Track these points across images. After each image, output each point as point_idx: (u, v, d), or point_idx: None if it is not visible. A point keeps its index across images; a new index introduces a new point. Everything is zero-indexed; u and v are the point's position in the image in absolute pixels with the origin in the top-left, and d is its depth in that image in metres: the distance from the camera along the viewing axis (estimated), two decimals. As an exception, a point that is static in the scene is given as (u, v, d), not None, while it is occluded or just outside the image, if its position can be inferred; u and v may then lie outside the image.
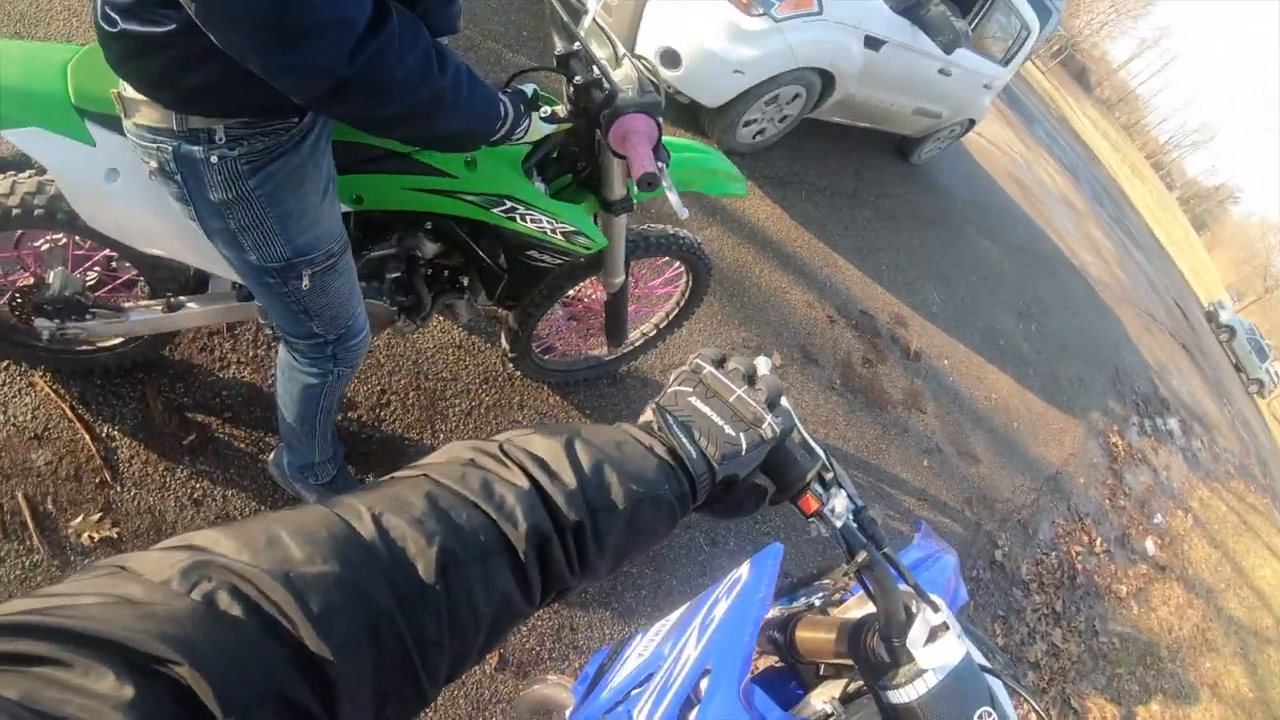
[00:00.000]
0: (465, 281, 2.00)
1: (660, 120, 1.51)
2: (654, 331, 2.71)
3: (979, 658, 0.94)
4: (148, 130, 1.19)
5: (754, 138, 4.84)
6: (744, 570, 1.23)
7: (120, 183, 1.35)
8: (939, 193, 7.50)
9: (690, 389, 0.76)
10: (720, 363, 0.79)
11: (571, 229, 1.74)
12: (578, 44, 1.56)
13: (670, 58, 4.07)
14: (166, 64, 1.08)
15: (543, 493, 0.57)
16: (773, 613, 1.23)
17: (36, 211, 1.44)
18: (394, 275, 1.82)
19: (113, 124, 1.24)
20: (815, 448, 0.86)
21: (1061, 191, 13.95)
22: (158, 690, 0.35)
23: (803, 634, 0.89)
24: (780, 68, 4.26)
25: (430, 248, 1.83)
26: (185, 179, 1.23)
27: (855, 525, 0.88)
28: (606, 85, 1.51)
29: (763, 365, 0.82)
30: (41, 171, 1.46)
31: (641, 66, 1.61)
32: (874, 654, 0.86)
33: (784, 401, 0.79)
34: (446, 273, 1.96)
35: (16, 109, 1.25)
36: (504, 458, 0.59)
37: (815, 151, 5.71)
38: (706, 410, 0.73)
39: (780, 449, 0.78)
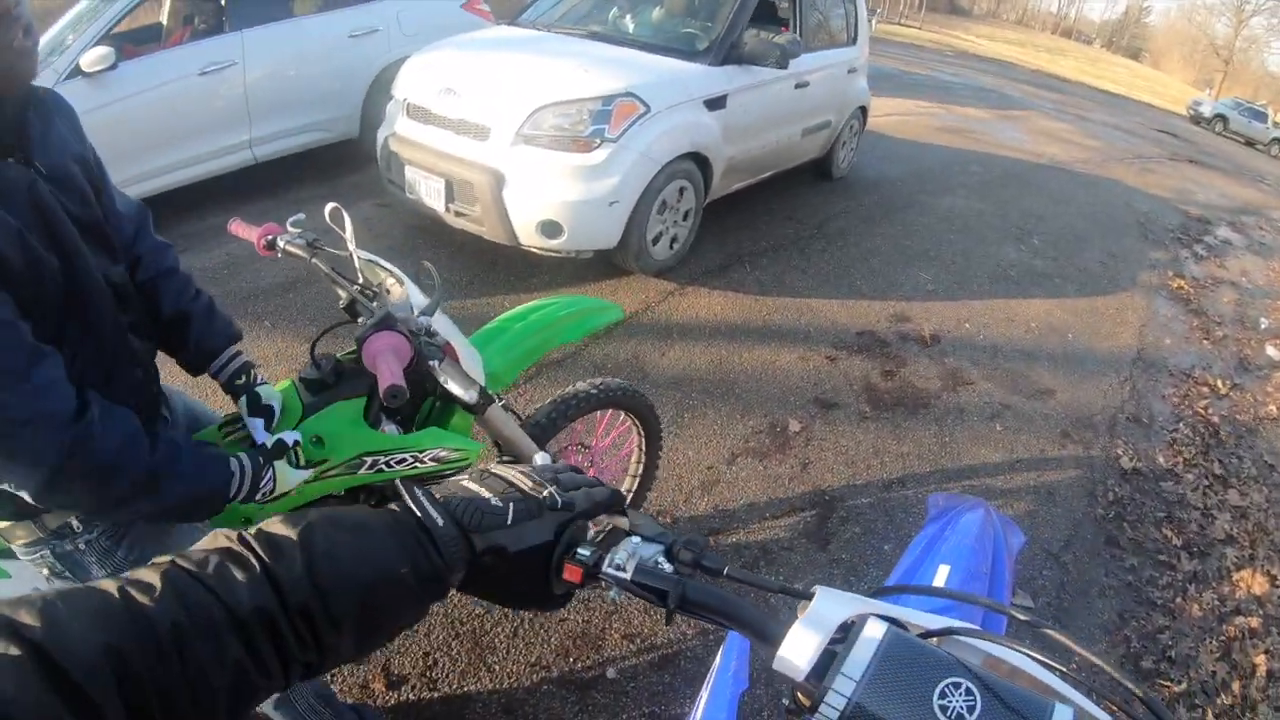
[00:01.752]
0: None
1: (402, 328, 1.49)
2: (634, 483, 2.64)
3: (927, 621, 0.76)
4: (26, 547, 1.29)
5: (671, 248, 4.88)
6: (717, 657, 1.22)
7: None
8: (876, 187, 7.49)
9: (470, 478, 0.75)
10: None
11: (436, 451, 1.71)
12: (356, 287, 1.62)
13: (550, 228, 4.15)
14: None
15: (270, 575, 0.60)
16: None
17: None
18: None
19: (10, 553, 1.34)
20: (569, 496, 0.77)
21: (993, 113, 13.97)
22: None
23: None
24: (647, 176, 4.31)
25: None
26: (74, 573, 1.32)
27: (667, 567, 0.74)
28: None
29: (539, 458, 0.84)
30: None
31: (421, 273, 1.70)
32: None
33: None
34: None
35: None
36: (244, 544, 0.62)
37: (738, 225, 5.77)
38: (475, 487, 0.72)
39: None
